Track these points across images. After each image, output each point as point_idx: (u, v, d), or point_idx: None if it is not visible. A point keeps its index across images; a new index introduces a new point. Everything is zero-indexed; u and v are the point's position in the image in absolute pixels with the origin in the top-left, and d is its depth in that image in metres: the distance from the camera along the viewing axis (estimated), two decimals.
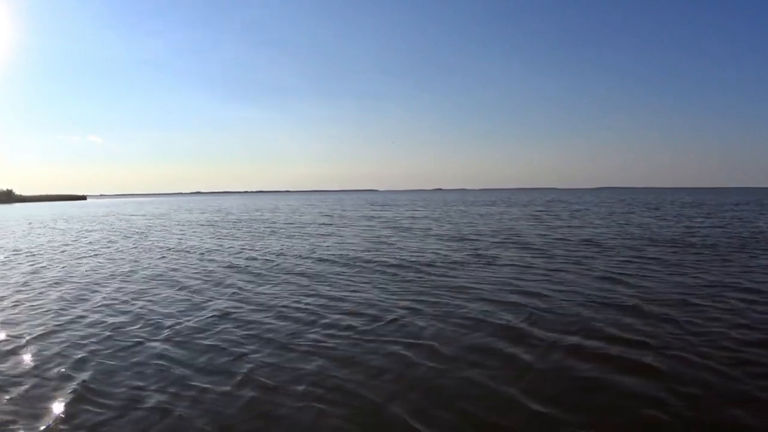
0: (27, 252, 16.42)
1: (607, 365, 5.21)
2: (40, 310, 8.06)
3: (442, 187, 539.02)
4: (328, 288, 9.39)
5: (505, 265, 11.72)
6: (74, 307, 8.24)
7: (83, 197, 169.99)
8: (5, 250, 16.98)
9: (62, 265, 13.17)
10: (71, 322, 7.32)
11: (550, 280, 9.74)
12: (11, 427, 4.18)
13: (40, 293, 9.48)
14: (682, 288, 8.84)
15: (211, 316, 7.45)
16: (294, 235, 20.58)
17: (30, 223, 33.21)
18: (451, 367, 5.27)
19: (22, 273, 12.01)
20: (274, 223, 29.36)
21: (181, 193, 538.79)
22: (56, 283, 10.49)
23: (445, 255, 13.58)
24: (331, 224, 27.11)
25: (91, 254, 15.60)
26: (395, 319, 7.07)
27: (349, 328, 6.71)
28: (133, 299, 8.77)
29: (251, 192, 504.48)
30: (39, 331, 6.84)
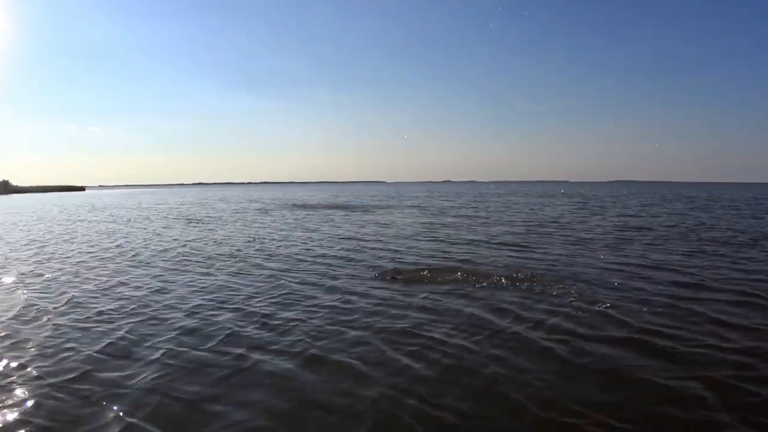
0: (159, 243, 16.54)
1: None
2: None
3: (451, 179, 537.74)
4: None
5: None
6: None
7: (82, 188, 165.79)
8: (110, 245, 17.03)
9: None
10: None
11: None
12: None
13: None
14: None
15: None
16: (386, 225, 20.45)
17: (72, 213, 33.23)
18: None
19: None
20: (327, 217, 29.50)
21: (183, 184, 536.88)
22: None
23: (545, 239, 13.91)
24: (379, 218, 27.29)
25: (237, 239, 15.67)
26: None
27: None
28: None
29: (255, 183, 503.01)
30: None
